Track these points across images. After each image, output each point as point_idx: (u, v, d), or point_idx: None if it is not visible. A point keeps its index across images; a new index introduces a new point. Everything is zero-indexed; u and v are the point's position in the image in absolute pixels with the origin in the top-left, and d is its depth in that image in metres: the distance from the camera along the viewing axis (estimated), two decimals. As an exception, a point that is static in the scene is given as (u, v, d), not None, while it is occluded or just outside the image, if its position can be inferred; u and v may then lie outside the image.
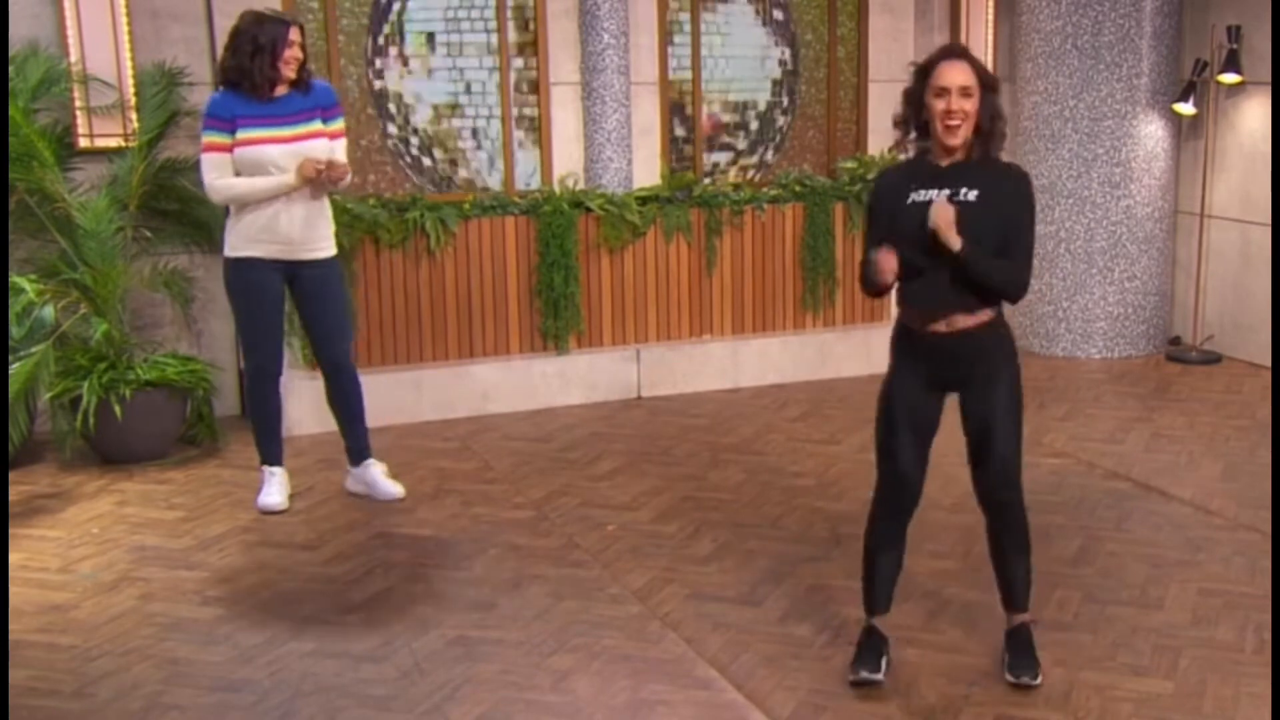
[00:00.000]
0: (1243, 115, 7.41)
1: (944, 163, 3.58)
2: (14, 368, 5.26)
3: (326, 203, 5.14)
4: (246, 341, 5.18)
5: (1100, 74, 7.48)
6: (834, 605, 4.27)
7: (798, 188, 7.27)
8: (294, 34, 4.93)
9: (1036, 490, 5.35)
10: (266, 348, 5.14)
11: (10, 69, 5.75)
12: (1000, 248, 3.52)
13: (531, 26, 7.09)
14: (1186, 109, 7.49)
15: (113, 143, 6.10)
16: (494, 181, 7.16)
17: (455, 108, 7.07)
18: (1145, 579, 4.48)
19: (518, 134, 7.17)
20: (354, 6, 6.80)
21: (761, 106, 7.73)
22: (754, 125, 7.75)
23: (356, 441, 5.37)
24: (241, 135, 4.91)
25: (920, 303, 3.59)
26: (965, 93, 3.49)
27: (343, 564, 4.69)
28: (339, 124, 5.12)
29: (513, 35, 7.07)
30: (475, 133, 7.12)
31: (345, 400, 5.31)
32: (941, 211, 3.48)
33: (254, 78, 4.89)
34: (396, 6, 6.87)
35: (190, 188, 6.31)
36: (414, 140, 7.02)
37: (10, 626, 4.09)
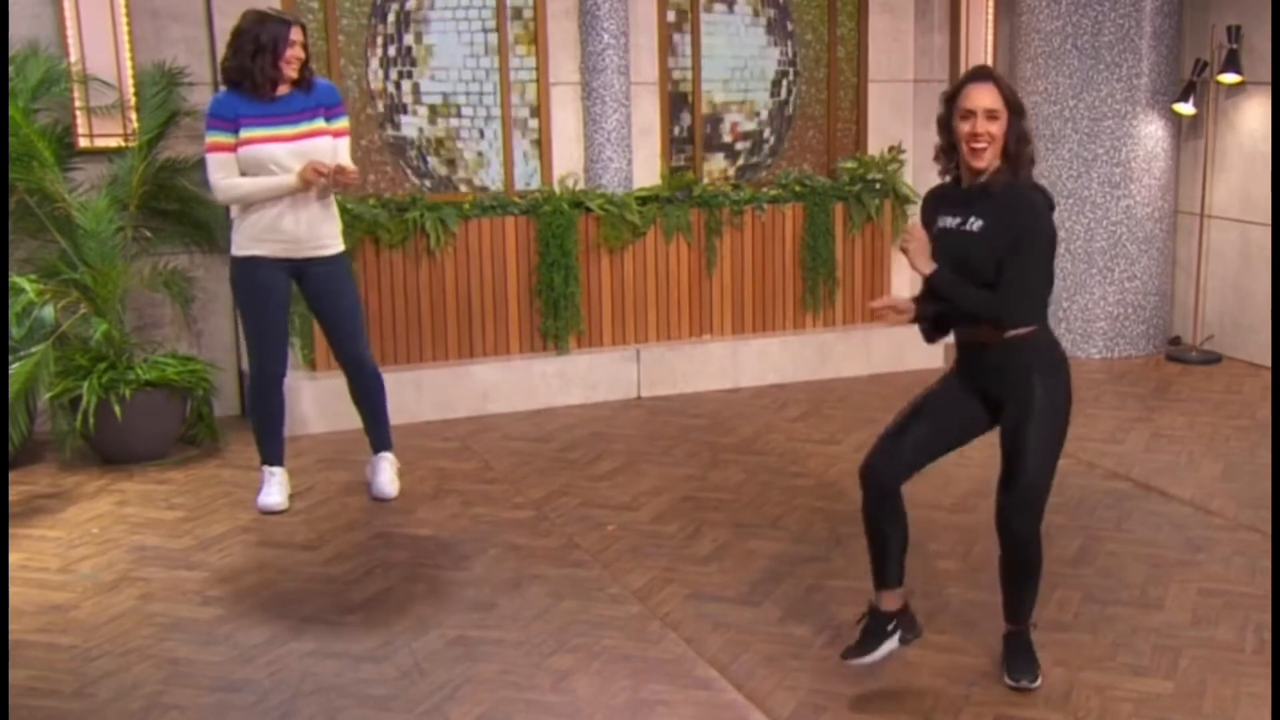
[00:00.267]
0: (1243, 115, 7.41)
1: (966, 186, 3.61)
2: (14, 368, 5.26)
3: (333, 201, 5.14)
4: (251, 341, 5.18)
5: (1100, 74, 7.49)
6: (834, 605, 4.27)
7: (798, 188, 7.27)
8: (295, 33, 4.93)
9: (1036, 490, 5.36)
10: (271, 348, 5.14)
11: (10, 69, 5.74)
12: (993, 275, 3.52)
13: (531, 26, 7.08)
14: (1186, 109, 7.49)
15: (113, 143, 6.10)
16: (493, 179, 7.15)
17: (455, 108, 7.07)
18: (1145, 579, 4.48)
19: (518, 135, 7.17)
20: (354, 6, 6.80)
21: (761, 106, 7.72)
22: (753, 125, 7.75)
23: (375, 435, 5.39)
24: (244, 134, 4.92)
25: (954, 320, 3.66)
26: (991, 115, 3.48)
27: (343, 564, 4.69)
28: (342, 122, 5.12)
29: (512, 35, 7.07)
30: (475, 133, 7.12)
31: (366, 396, 5.33)
32: (913, 237, 3.55)
33: (255, 77, 4.90)
34: (395, 6, 6.87)
35: (190, 188, 6.32)
36: (414, 140, 7.01)
37: (10, 626, 4.09)
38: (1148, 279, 7.71)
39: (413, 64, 6.95)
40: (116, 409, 5.55)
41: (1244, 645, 3.98)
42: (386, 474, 5.38)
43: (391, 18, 6.88)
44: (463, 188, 7.09)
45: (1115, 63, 7.47)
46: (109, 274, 5.75)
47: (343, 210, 5.92)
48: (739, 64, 7.64)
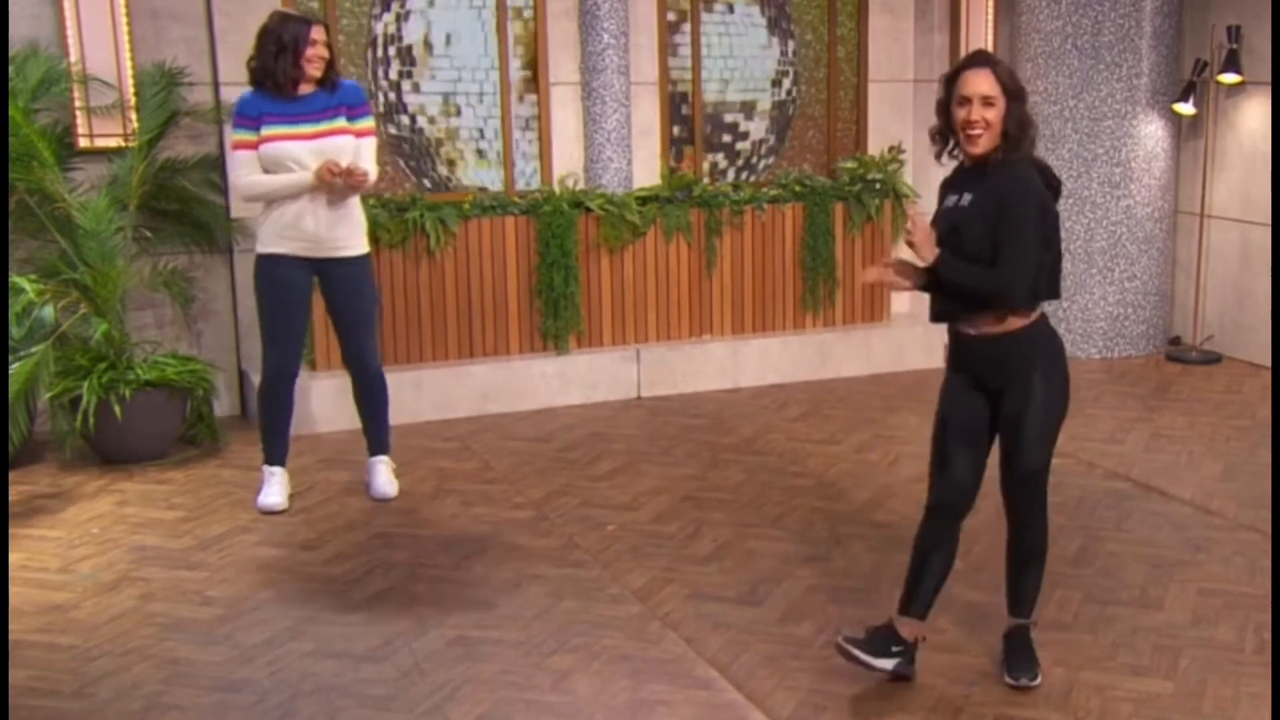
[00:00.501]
0: (1243, 115, 7.41)
1: (966, 165, 3.64)
2: (14, 368, 5.26)
3: (356, 201, 5.14)
4: (267, 339, 5.17)
5: (1100, 74, 7.49)
6: (834, 605, 4.27)
7: (798, 188, 7.27)
8: (316, 33, 4.97)
9: (1036, 490, 5.36)
10: (286, 348, 5.15)
11: (10, 69, 5.75)
12: (985, 252, 3.51)
13: (531, 26, 7.09)
14: (1186, 109, 7.49)
15: (113, 143, 6.11)
16: (493, 180, 7.15)
17: (455, 108, 7.07)
18: (1145, 579, 4.48)
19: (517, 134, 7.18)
20: (354, 6, 6.80)
21: (761, 106, 7.72)
22: (753, 125, 7.75)
23: (373, 438, 5.40)
24: (265, 132, 4.96)
25: (950, 305, 3.63)
26: (987, 102, 3.48)
27: (343, 564, 4.69)
28: (366, 122, 5.13)
29: (512, 35, 7.07)
30: (475, 133, 7.12)
31: (369, 399, 5.34)
32: (917, 227, 3.53)
33: (278, 76, 4.94)
34: (396, 6, 6.87)
35: (190, 188, 6.33)
36: (414, 140, 7.01)
37: (10, 626, 4.09)
38: (1148, 279, 7.71)
39: (413, 63, 6.96)
40: (116, 409, 5.55)
41: (1244, 645, 3.98)
42: (384, 475, 5.38)
43: (391, 17, 6.89)
44: (462, 188, 7.10)
45: (1115, 63, 7.47)
46: (109, 274, 5.75)
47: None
48: (739, 64, 7.64)
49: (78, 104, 6.02)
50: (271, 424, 5.24)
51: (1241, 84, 7.31)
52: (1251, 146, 7.36)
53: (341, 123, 5.03)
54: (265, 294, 5.12)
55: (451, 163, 7.12)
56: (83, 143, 6.07)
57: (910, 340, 7.37)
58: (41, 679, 3.80)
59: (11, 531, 4.95)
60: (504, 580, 4.53)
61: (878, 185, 7.38)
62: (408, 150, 7.02)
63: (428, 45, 6.96)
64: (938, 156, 3.70)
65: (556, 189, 6.85)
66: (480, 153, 7.15)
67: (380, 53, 6.88)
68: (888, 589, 4.16)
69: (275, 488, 5.22)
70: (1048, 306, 3.72)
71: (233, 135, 5.05)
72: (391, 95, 6.94)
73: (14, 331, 5.33)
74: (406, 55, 6.94)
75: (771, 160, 7.80)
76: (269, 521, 5.11)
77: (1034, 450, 3.62)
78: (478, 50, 7.03)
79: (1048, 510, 3.73)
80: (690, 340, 7.12)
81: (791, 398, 6.90)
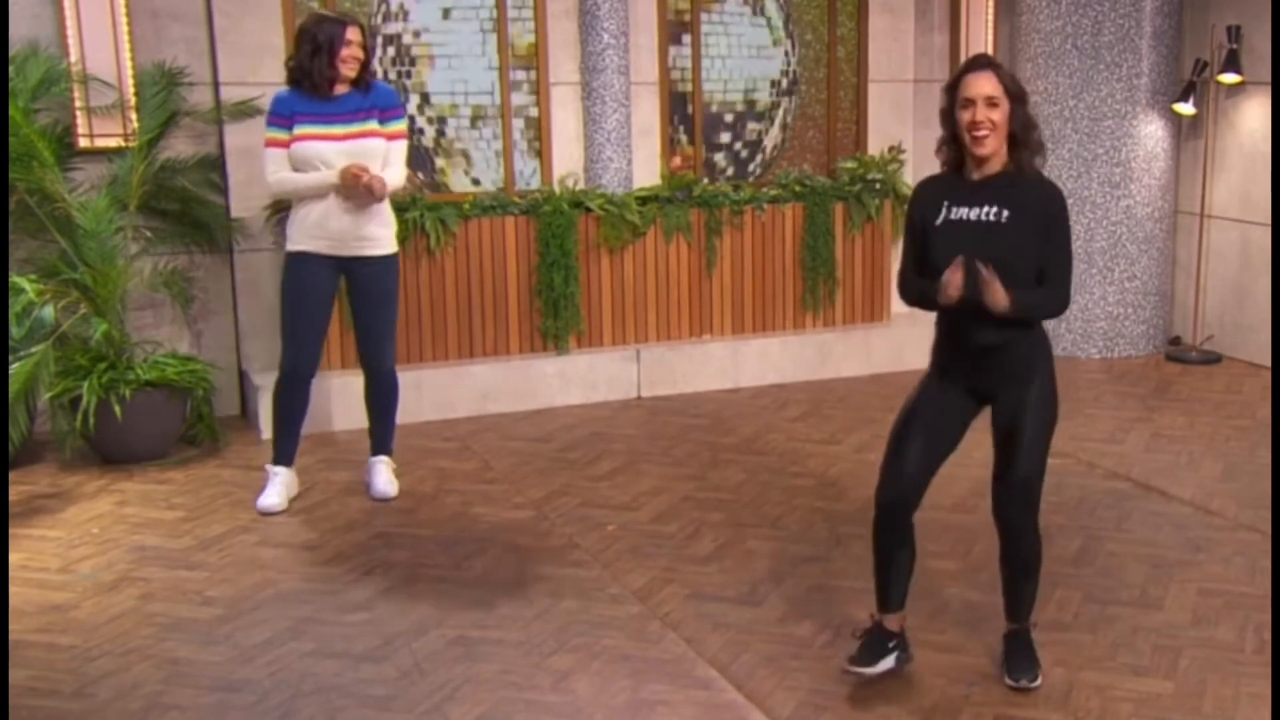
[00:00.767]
0: (1243, 115, 7.41)
1: (977, 177, 3.57)
2: (14, 368, 5.26)
3: (386, 202, 5.15)
4: (286, 336, 5.19)
5: (1100, 74, 7.49)
6: (834, 605, 4.27)
7: (798, 188, 7.27)
8: (352, 33, 5.01)
9: (1036, 490, 5.36)
10: (304, 348, 5.16)
11: (10, 69, 5.75)
12: (1030, 267, 3.51)
13: (531, 26, 7.09)
14: (1186, 109, 7.49)
15: (113, 143, 6.11)
16: (493, 179, 7.15)
17: (454, 107, 7.07)
18: (1145, 579, 4.48)
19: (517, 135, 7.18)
20: (354, 6, 6.80)
21: (761, 106, 7.73)
22: (753, 125, 7.75)
23: (377, 438, 5.41)
24: (297, 131, 5.01)
25: (958, 315, 3.58)
26: (991, 103, 3.47)
27: (343, 564, 4.69)
28: (397, 125, 5.16)
29: (513, 35, 7.07)
30: (475, 133, 7.12)
31: (377, 399, 5.36)
32: (992, 289, 3.44)
33: (314, 76, 4.98)
34: (396, 6, 6.87)
35: (190, 188, 6.33)
36: (414, 139, 7.01)
37: (10, 626, 4.09)
38: (1148, 279, 7.72)
39: (412, 63, 6.96)
40: (116, 409, 5.55)
41: (1244, 645, 3.98)
42: (384, 476, 5.38)
43: (392, 17, 6.88)
44: (462, 188, 7.10)
45: (1115, 63, 7.47)
46: (109, 274, 5.75)
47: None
48: (739, 64, 7.64)
49: (78, 104, 6.02)
50: (283, 423, 5.24)
51: (1241, 84, 7.31)
52: (1251, 146, 7.37)
53: (373, 125, 5.07)
54: (289, 292, 5.15)
55: (451, 162, 7.12)
56: (83, 143, 6.07)
57: (910, 340, 7.36)
58: (41, 679, 3.80)
59: (11, 531, 4.95)
60: (504, 580, 4.53)
61: (878, 185, 7.39)
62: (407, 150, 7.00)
63: (427, 45, 6.96)
64: (944, 166, 3.67)
65: (556, 189, 6.85)
66: (480, 153, 7.14)
67: (380, 53, 6.88)
68: (888, 589, 4.15)
69: (277, 488, 5.22)
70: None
71: (265, 132, 5.09)
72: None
73: (14, 331, 5.33)
74: (406, 55, 6.94)
75: (771, 160, 7.80)
76: (269, 521, 5.11)
77: (1033, 456, 3.61)
78: (478, 50, 7.03)
79: (1038, 515, 3.71)
80: (690, 340, 7.12)
81: (791, 398, 6.90)
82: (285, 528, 5.05)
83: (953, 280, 3.46)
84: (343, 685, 3.76)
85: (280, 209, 6.12)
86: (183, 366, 5.88)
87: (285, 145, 5.03)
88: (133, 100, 6.11)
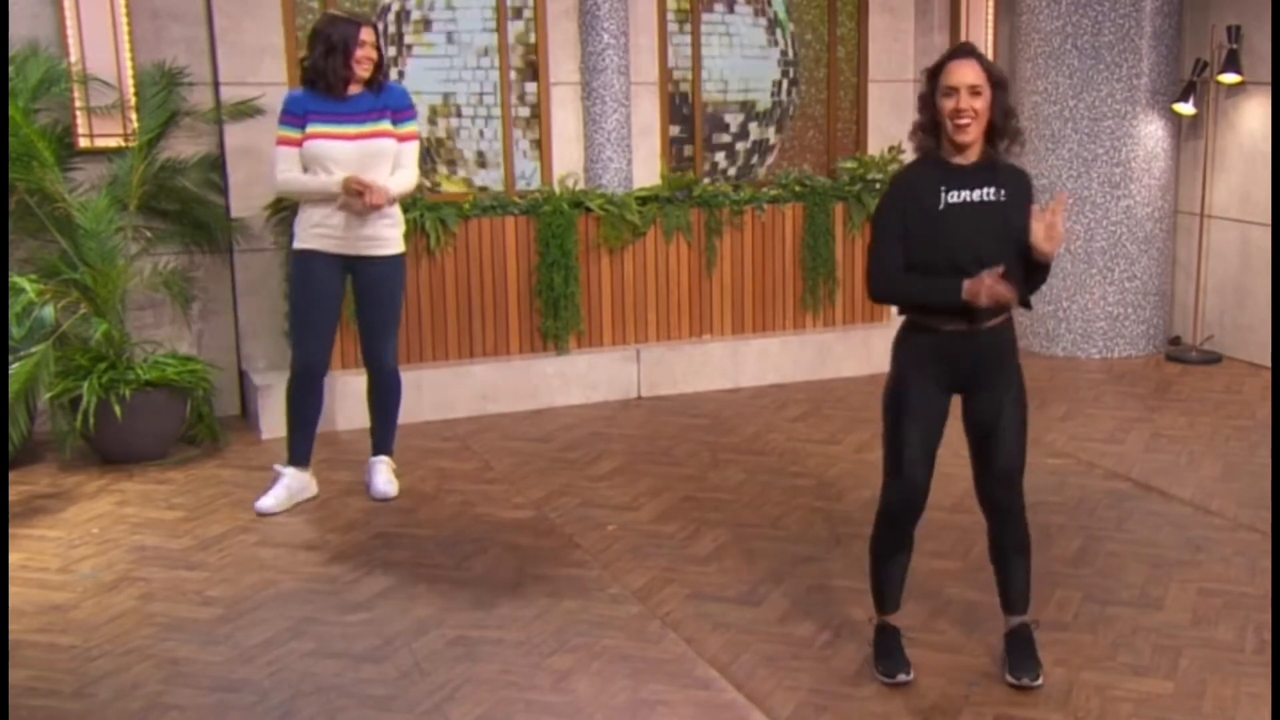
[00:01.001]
0: (1243, 115, 7.41)
1: (962, 162, 3.56)
2: (14, 368, 5.26)
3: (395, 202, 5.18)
4: (295, 335, 5.21)
5: (1100, 74, 7.49)
6: (834, 605, 4.27)
7: (798, 188, 7.27)
8: (366, 34, 5.02)
9: (1036, 490, 5.35)
10: (313, 343, 5.15)
11: (10, 69, 5.75)
12: (1023, 244, 3.53)
13: (532, 26, 7.09)
14: (1186, 109, 7.49)
15: (113, 143, 6.11)
16: (493, 179, 7.15)
17: (455, 108, 7.07)
18: (1145, 579, 4.48)
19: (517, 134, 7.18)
20: (354, 6, 6.80)
21: (761, 106, 7.72)
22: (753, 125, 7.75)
23: (379, 437, 5.42)
24: (309, 130, 5.01)
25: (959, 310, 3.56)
26: (974, 91, 3.48)
27: (343, 564, 4.69)
28: (409, 127, 5.17)
29: (513, 34, 7.07)
30: (475, 133, 7.12)
31: (379, 399, 5.37)
32: (999, 286, 3.45)
33: (329, 76, 4.99)
34: (395, 6, 6.87)
35: (190, 188, 6.33)
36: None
37: (10, 626, 4.09)
38: (1148, 279, 7.71)
39: (411, 64, 6.95)
40: (116, 409, 5.55)
41: (1244, 645, 3.98)
42: (384, 475, 5.38)
43: (392, 17, 6.89)
44: (462, 187, 7.09)
45: (1115, 63, 7.47)
46: (109, 274, 5.75)
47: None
48: (739, 64, 7.64)
49: (78, 104, 6.02)
50: (296, 422, 5.23)
51: (1241, 84, 7.31)
52: (1251, 146, 7.37)
53: (385, 125, 5.08)
54: (297, 290, 5.17)
55: (451, 163, 7.12)
56: (83, 143, 6.07)
57: (910, 340, 7.36)
58: (41, 679, 3.80)
59: (11, 531, 4.95)
60: (504, 580, 4.53)
61: (878, 185, 7.38)
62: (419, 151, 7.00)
63: (427, 45, 6.95)
64: (918, 151, 3.64)
65: (556, 189, 6.85)
66: (480, 153, 7.14)
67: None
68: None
69: (278, 492, 5.19)
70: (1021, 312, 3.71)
71: (277, 131, 5.09)
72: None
73: (14, 331, 5.33)
74: (406, 55, 6.94)
75: (771, 160, 7.80)
76: (269, 521, 5.11)
77: (1018, 447, 3.66)
78: (477, 50, 7.03)
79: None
80: (690, 340, 7.12)
81: (791, 398, 6.90)
82: (285, 528, 5.05)
83: (995, 288, 3.42)
84: (343, 685, 3.76)
85: (280, 209, 6.12)
86: (183, 366, 5.88)
87: (297, 144, 5.03)
88: (133, 100, 6.11)
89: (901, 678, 3.72)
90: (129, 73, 6.11)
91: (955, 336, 3.58)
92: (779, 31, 7.72)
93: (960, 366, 3.61)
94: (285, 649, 3.99)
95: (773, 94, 7.76)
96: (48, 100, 5.92)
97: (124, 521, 5.12)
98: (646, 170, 7.27)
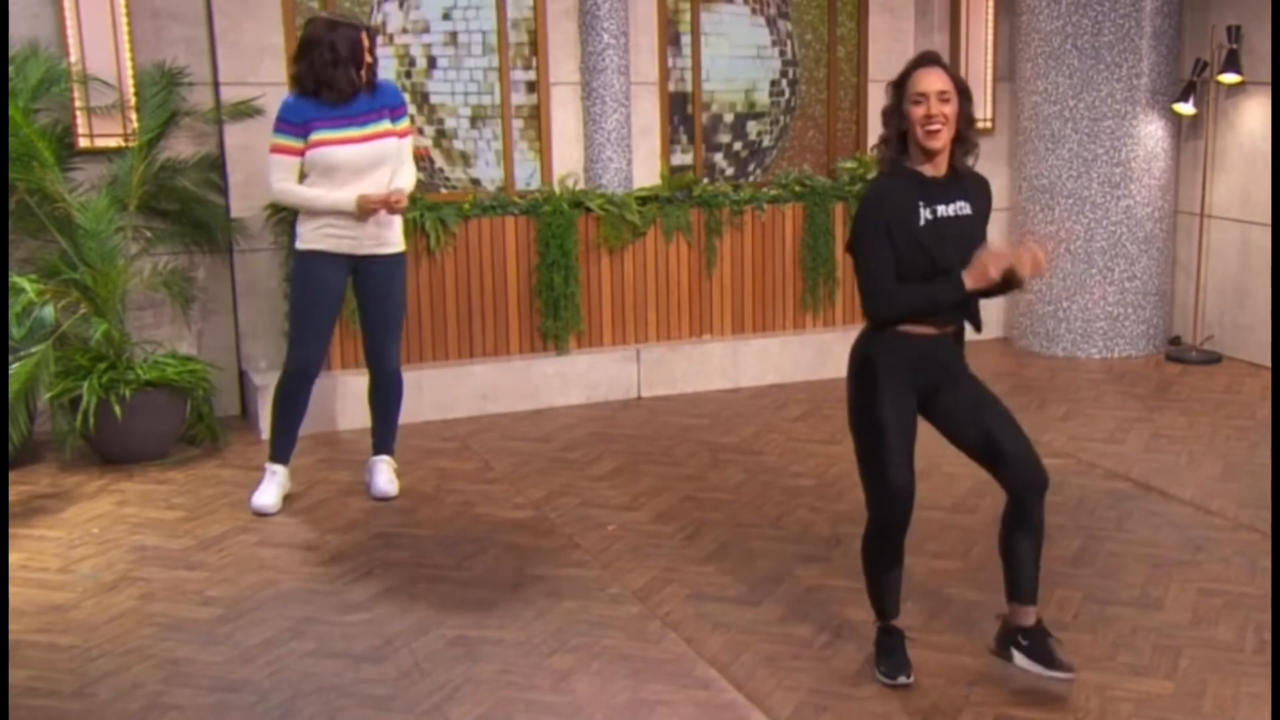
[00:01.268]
0: (1243, 115, 7.41)
1: (932, 173, 3.57)
2: (14, 368, 5.26)
3: None
4: (295, 335, 5.20)
5: (1100, 74, 7.49)
6: (834, 605, 4.27)
7: (798, 188, 7.27)
8: (365, 38, 5.01)
9: (1036, 490, 5.36)
10: (312, 344, 5.15)
11: (10, 69, 5.74)
12: None
13: (531, 26, 7.08)
14: (1186, 109, 7.49)
15: (113, 143, 6.10)
16: (493, 179, 7.14)
17: (455, 108, 7.07)
18: (1145, 579, 4.48)
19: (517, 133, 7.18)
20: (354, 6, 6.80)
21: (761, 106, 7.72)
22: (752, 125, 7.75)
23: (380, 437, 5.42)
24: (314, 137, 4.98)
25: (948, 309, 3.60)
26: (943, 97, 3.51)
27: (343, 564, 4.69)
28: (406, 123, 5.19)
29: (512, 35, 7.07)
30: (475, 133, 7.12)
31: (381, 397, 5.37)
32: (1001, 260, 3.50)
33: (340, 85, 4.96)
34: (396, 6, 6.87)
35: (190, 188, 6.33)
36: (413, 139, 7.00)
37: (10, 626, 4.09)
38: (1148, 279, 7.71)
39: (412, 63, 6.95)
40: (116, 409, 5.55)
41: (1244, 645, 3.98)
42: (385, 475, 5.38)
43: (391, 17, 6.88)
44: (462, 187, 7.09)
45: (1115, 63, 7.47)
46: (109, 274, 5.75)
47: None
48: (739, 64, 7.64)
49: (78, 104, 6.02)
50: (283, 421, 5.24)
51: (1241, 84, 7.31)
52: (1251, 146, 7.36)
53: (386, 125, 5.08)
54: (300, 291, 5.15)
55: (451, 163, 7.11)
56: (83, 143, 6.06)
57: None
58: (41, 679, 3.80)
59: (11, 531, 4.95)
60: (504, 580, 4.53)
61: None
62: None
63: (428, 45, 6.95)
64: (881, 163, 3.65)
65: (556, 189, 6.85)
66: (480, 153, 7.14)
67: (379, 52, 6.87)
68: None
69: (272, 488, 5.21)
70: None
71: (274, 138, 5.04)
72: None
73: (14, 331, 5.33)
74: (406, 55, 6.94)
75: (771, 160, 7.80)
76: (269, 521, 5.11)
77: (1016, 422, 3.65)
78: (477, 50, 7.03)
79: None
80: (690, 340, 7.12)
81: (791, 398, 6.90)
82: (285, 528, 5.05)
83: (999, 257, 3.47)
84: (343, 685, 3.76)
85: (280, 210, 6.12)
86: (183, 366, 5.88)
87: (297, 153, 4.99)
88: (133, 100, 6.10)
89: (902, 679, 3.72)
90: (129, 73, 6.11)
91: (920, 339, 3.59)
92: (779, 31, 7.72)
93: (927, 368, 3.62)
94: (285, 649, 3.99)
95: (772, 94, 7.75)
96: (48, 100, 5.92)
97: (124, 521, 5.12)
98: (646, 170, 7.27)
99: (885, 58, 7.92)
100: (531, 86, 7.13)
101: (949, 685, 3.74)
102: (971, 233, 3.56)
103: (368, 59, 5.01)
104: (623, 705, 3.65)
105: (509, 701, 3.66)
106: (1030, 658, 3.67)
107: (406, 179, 5.13)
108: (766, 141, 7.78)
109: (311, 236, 5.08)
